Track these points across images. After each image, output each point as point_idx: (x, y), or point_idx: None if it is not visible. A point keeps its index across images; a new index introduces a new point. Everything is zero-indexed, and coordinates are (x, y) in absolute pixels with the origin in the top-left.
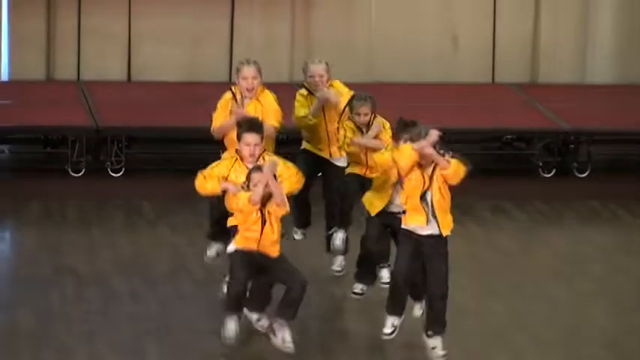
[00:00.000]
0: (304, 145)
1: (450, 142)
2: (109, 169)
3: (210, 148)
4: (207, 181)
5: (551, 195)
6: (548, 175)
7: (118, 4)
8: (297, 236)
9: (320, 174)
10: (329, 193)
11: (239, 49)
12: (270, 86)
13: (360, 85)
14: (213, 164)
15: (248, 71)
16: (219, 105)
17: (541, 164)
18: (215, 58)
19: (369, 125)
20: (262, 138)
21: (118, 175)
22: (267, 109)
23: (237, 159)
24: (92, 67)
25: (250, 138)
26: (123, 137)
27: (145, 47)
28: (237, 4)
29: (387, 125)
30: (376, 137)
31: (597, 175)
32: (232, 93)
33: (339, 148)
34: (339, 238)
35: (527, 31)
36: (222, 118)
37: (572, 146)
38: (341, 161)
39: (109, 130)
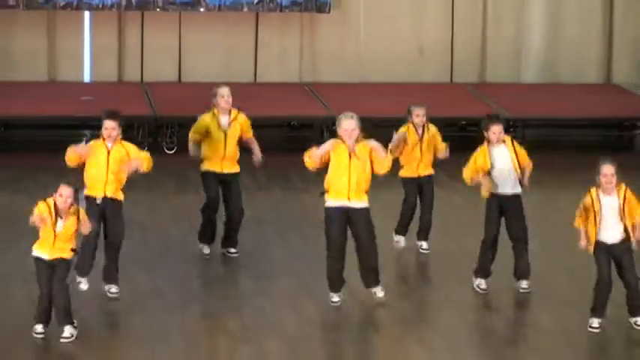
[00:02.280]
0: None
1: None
2: (164, 148)
3: None
4: None
5: None
6: None
7: (171, 24)
8: None
9: None
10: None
11: (261, 57)
12: (283, 85)
13: (351, 84)
14: None
15: (224, 90)
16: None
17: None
18: (243, 63)
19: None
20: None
21: (171, 152)
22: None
23: None
24: (152, 71)
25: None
26: (174, 124)
27: (191, 56)
28: (260, 23)
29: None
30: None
31: (530, 151)
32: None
33: None
34: None
35: (477, 41)
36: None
37: (512, 129)
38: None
39: (164, 119)
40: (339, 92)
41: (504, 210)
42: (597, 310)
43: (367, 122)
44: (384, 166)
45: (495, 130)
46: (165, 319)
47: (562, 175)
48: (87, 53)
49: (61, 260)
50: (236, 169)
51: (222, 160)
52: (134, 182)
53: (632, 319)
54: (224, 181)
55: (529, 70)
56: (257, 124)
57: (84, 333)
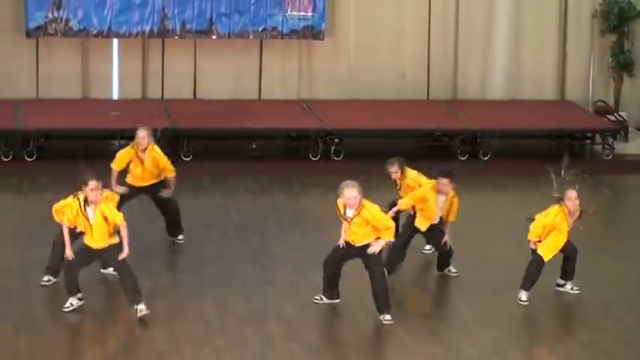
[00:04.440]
0: None
1: (400, 138)
2: (182, 155)
3: (245, 142)
4: None
5: (465, 171)
6: (463, 159)
7: (188, 50)
8: None
9: None
10: None
11: (265, 78)
12: (284, 102)
13: (342, 100)
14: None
15: (142, 132)
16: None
17: (458, 151)
18: (249, 83)
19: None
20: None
21: (188, 159)
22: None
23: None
24: (171, 90)
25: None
26: (191, 135)
27: (205, 77)
28: (264, 48)
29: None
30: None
31: (495, 158)
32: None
33: None
34: None
35: (450, 64)
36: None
37: (479, 140)
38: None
39: (182, 131)
40: (332, 108)
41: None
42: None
43: (356, 133)
44: (385, 235)
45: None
46: (183, 304)
47: (524, 179)
48: (115, 74)
49: (104, 250)
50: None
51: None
52: None
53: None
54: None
55: (494, 89)
56: (261, 135)
57: (113, 317)
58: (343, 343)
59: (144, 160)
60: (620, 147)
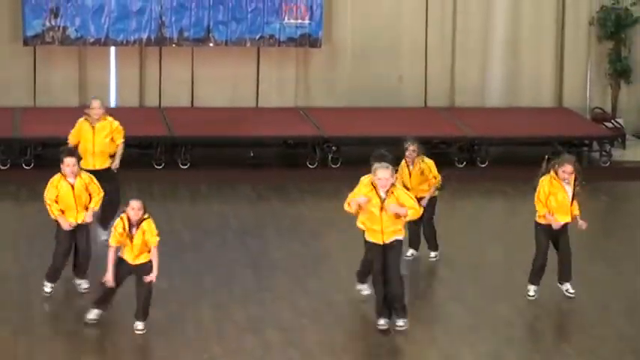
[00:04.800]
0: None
1: (397, 145)
2: (179, 163)
3: (242, 150)
4: None
5: (463, 178)
6: (461, 166)
7: (185, 57)
8: None
9: None
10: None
11: (262, 85)
12: (281, 110)
13: (339, 108)
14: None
15: (95, 103)
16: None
17: (456, 158)
18: (247, 91)
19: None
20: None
21: (185, 167)
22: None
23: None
24: (168, 98)
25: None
26: (188, 143)
27: (202, 84)
28: (261, 56)
29: None
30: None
31: (492, 165)
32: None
33: None
34: None
35: (447, 71)
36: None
37: (476, 147)
38: None
39: (179, 139)
40: (330, 115)
41: None
42: (533, 279)
43: (353, 141)
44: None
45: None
46: (181, 311)
47: (521, 187)
48: (113, 82)
49: (143, 265)
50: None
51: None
52: (153, 192)
53: (563, 287)
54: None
55: (492, 96)
56: (258, 143)
57: (112, 324)
58: (341, 349)
59: (95, 133)
60: (618, 154)
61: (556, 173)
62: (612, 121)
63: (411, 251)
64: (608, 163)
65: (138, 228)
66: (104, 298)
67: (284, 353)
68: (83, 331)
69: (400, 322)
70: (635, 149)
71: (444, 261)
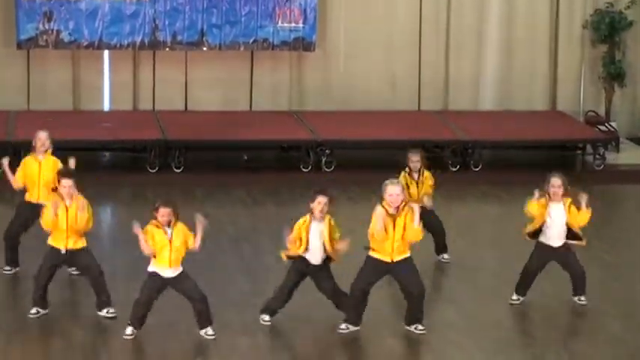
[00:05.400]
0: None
1: (391, 148)
2: (173, 167)
3: (236, 154)
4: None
5: (457, 182)
6: (455, 169)
7: (179, 61)
8: None
9: None
10: None
11: (256, 89)
12: (275, 113)
13: (333, 112)
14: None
15: (43, 135)
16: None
17: (450, 162)
18: (240, 94)
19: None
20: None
21: (179, 170)
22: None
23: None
24: (162, 101)
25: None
26: (182, 146)
27: (196, 88)
28: (255, 60)
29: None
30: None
31: (486, 169)
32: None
33: None
34: None
35: (441, 75)
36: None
37: (470, 150)
38: None
39: (173, 142)
40: (323, 119)
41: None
42: (520, 289)
43: (347, 144)
44: (415, 235)
45: (321, 201)
46: (175, 315)
47: (515, 190)
48: (106, 86)
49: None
50: None
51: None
52: (147, 196)
53: (575, 297)
54: None
55: (486, 99)
56: (252, 147)
57: (106, 329)
58: (334, 354)
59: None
60: (612, 157)
61: (549, 195)
62: (606, 124)
63: (445, 256)
64: (602, 166)
65: (172, 228)
66: (139, 316)
67: (277, 357)
68: (76, 335)
69: (420, 327)
70: (629, 152)
71: (438, 264)
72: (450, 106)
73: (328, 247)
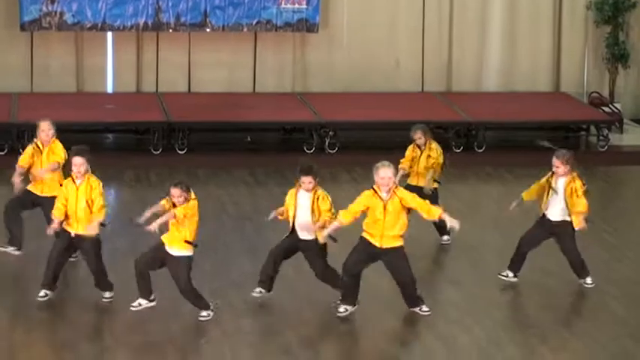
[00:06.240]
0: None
1: (394, 130)
2: (176, 148)
3: (239, 135)
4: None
5: (460, 163)
6: (458, 151)
7: (182, 43)
8: None
9: None
10: None
11: (259, 70)
12: (278, 95)
13: (336, 93)
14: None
15: (44, 125)
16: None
17: (453, 143)
18: (244, 76)
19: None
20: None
21: (183, 152)
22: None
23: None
24: (165, 83)
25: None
26: (185, 128)
27: (199, 70)
28: (258, 41)
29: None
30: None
31: (489, 150)
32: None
33: None
34: None
35: (444, 56)
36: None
37: (473, 132)
38: None
39: (176, 124)
40: (326, 101)
41: None
42: (514, 264)
43: (350, 126)
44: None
45: (305, 180)
46: (178, 296)
47: (518, 171)
48: (110, 68)
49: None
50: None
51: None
52: (150, 178)
53: (580, 280)
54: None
55: (489, 81)
56: (256, 128)
57: (109, 310)
58: (338, 333)
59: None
60: (615, 138)
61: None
62: (610, 105)
63: (445, 237)
64: (606, 147)
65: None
66: (145, 286)
67: (281, 337)
68: (81, 317)
69: (425, 308)
70: (633, 134)
71: (441, 245)
72: (453, 88)
73: (312, 221)
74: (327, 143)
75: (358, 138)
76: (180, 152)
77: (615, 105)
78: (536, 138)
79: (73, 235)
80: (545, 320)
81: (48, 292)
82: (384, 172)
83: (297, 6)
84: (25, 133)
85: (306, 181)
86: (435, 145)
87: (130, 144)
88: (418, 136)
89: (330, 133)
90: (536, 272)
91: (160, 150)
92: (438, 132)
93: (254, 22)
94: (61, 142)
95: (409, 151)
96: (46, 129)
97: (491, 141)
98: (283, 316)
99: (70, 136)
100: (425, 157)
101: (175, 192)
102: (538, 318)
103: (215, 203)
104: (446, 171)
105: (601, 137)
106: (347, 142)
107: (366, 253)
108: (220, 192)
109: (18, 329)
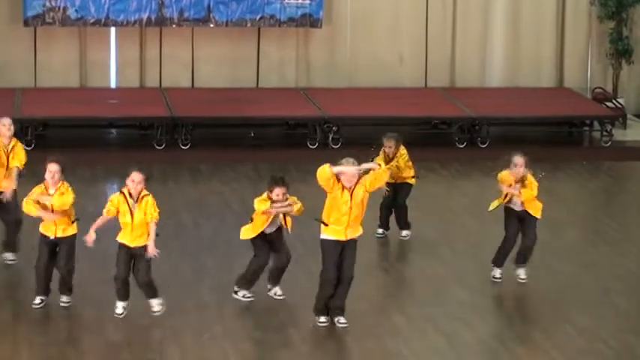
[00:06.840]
0: None
1: (398, 125)
2: (180, 144)
3: (243, 130)
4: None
5: (464, 159)
6: (462, 146)
7: (185, 38)
8: None
9: None
10: None
11: (262, 66)
12: (282, 90)
13: (340, 88)
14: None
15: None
16: None
17: (457, 139)
18: (247, 71)
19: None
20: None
21: (186, 147)
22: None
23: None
24: (169, 78)
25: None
26: (189, 123)
27: (202, 65)
28: (262, 36)
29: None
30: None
31: (493, 146)
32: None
33: None
34: None
35: (447, 52)
36: None
37: (477, 127)
38: None
39: (180, 119)
40: (330, 96)
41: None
42: (498, 261)
43: (354, 121)
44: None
45: (279, 192)
46: (181, 291)
47: None
48: (113, 63)
49: (141, 248)
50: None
51: None
52: (154, 173)
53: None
54: None
55: (492, 76)
56: (259, 124)
57: (113, 306)
58: (342, 329)
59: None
60: (619, 134)
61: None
62: (613, 100)
63: (381, 230)
64: (609, 143)
65: (139, 203)
66: (123, 290)
67: (284, 333)
68: (84, 312)
69: (342, 320)
70: (636, 129)
71: (444, 240)
72: (456, 83)
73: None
74: (330, 138)
75: (362, 133)
76: (183, 147)
77: (619, 100)
78: (539, 133)
79: (52, 237)
80: (549, 315)
81: (43, 297)
82: (347, 170)
83: (300, 1)
84: (29, 129)
85: (280, 192)
86: (404, 155)
87: (134, 139)
88: (389, 146)
89: (334, 128)
90: (540, 269)
91: (164, 145)
92: (442, 127)
93: (257, 18)
94: (64, 137)
95: (379, 158)
96: (7, 124)
97: (495, 136)
98: (285, 312)
99: (74, 131)
100: (392, 166)
101: (137, 177)
102: (542, 313)
103: (218, 199)
104: (450, 167)
105: (604, 132)
106: (350, 137)
107: (336, 252)
108: (223, 187)
109: (20, 323)
